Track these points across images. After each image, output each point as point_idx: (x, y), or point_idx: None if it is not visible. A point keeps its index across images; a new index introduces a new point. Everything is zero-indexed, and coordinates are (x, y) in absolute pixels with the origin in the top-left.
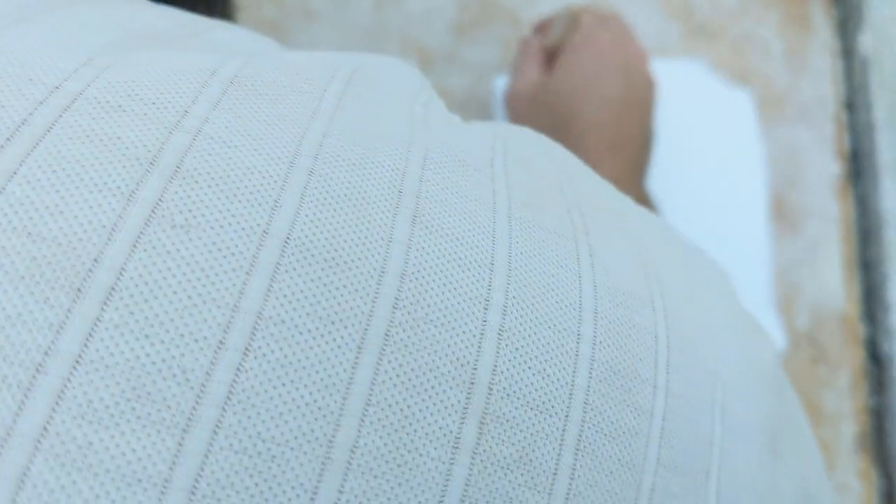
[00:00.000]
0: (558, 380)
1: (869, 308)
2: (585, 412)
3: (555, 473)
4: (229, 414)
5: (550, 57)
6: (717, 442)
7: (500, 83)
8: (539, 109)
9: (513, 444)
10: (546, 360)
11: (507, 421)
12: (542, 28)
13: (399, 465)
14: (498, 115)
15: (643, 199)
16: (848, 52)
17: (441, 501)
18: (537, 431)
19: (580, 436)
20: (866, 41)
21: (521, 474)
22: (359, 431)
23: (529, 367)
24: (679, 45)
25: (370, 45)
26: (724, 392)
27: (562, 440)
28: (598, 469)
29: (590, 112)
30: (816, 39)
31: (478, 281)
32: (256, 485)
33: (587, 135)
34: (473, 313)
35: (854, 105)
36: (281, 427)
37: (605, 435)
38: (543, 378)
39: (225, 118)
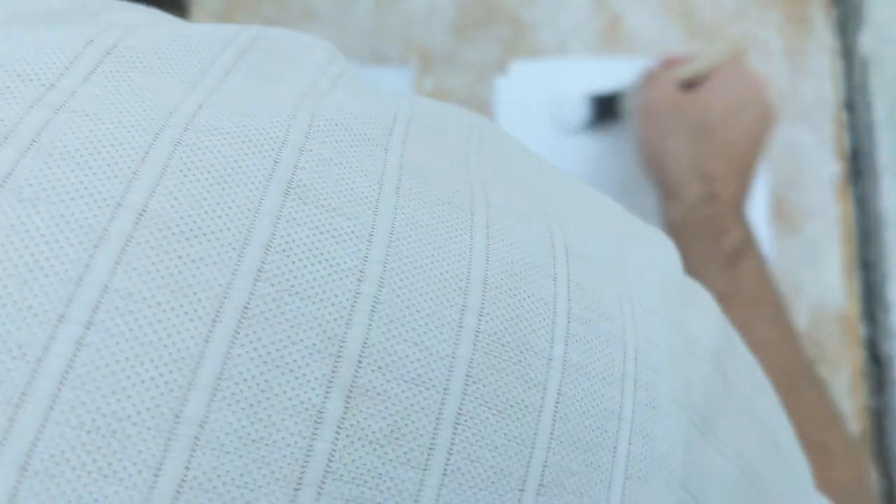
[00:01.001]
0: (437, 352)
1: (869, 308)
2: (467, 385)
3: (431, 448)
4: (66, 389)
5: (682, 87)
6: (626, 416)
7: (500, 83)
8: (680, 111)
9: (384, 418)
10: (425, 332)
11: (379, 394)
12: (672, 62)
13: (254, 441)
14: (498, 115)
15: (749, 228)
16: (848, 52)
17: (301, 477)
18: (412, 405)
19: (460, 409)
20: (866, 41)
21: (393, 449)
22: (209, 406)
23: (405, 340)
24: (679, 45)
25: (370, 45)
26: (639, 364)
27: (440, 414)
28: (481, 444)
29: (737, 127)
30: (816, 39)
31: (353, 252)
32: (94, 460)
33: (728, 145)
34: (345, 285)
35: (854, 105)
36: (123, 402)
37: (490, 408)
38: (421, 350)
39: (94, 91)
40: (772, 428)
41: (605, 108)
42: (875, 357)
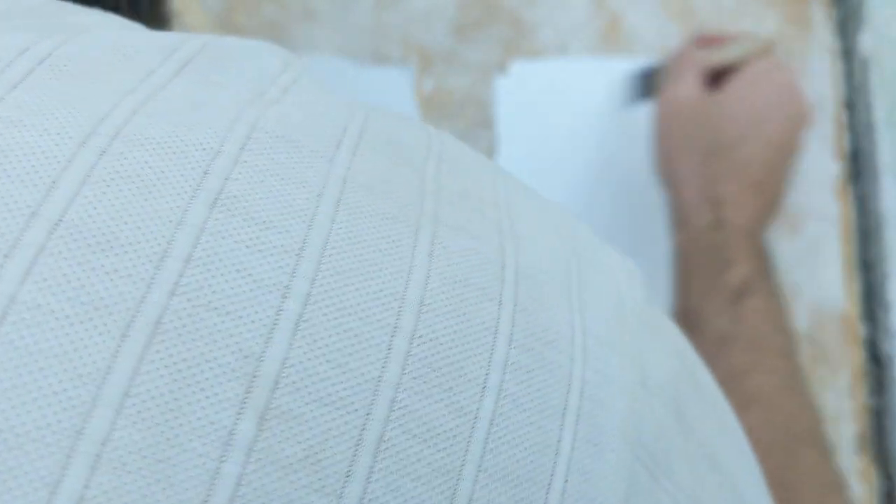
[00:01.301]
0: (362, 374)
1: (869, 308)
2: (392, 410)
3: (348, 475)
4: None
5: (713, 75)
6: (564, 451)
7: (501, 83)
8: (698, 123)
9: (299, 443)
10: (350, 354)
11: (295, 417)
12: (707, 41)
13: (159, 461)
14: (498, 116)
15: (764, 258)
16: (848, 53)
17: (206, 500)
18: (330, 429)
19: (383, 436)
20: (866, 41)
21: (307, 475)
22: (113, 424)
23: (328, 360)
24: (679, 45)
25: (370, 45)
26: (584, 398)
27: (360, 440)
28: (403, 473)
29: (752, 146)
30: (816, 39)
31: (279, 267)
32: None
33: (741, 166)
34: (267, 301)
35: (854, 105)
36: (23, 416)
37: (415, 436)
38: (344, 372)
39: (22, 98)
40: (736, 479)
41: (645, 85)
42: (875, 357)
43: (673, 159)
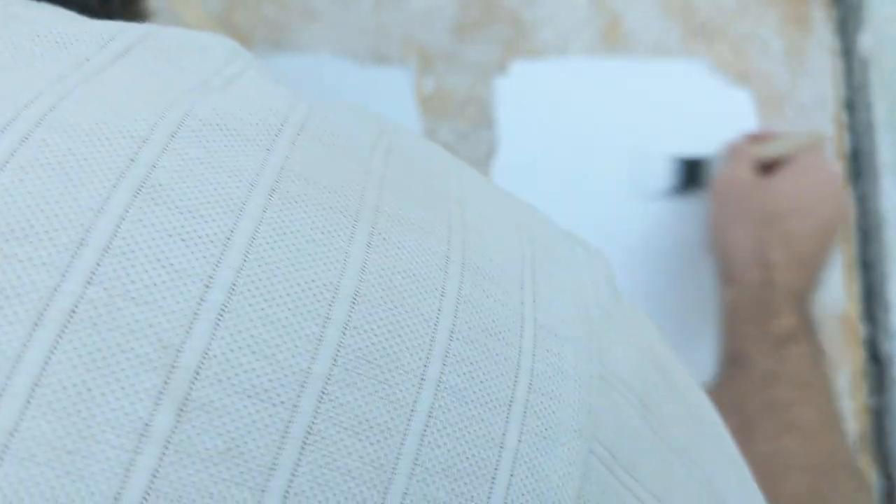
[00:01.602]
0: (289, 366)
1: (869, 308)
2: (321, 402)
3: (272, 469)
4: None
5: (763, 168)
6: (510, 445)
7: (501, 83)
8: (752, 198)
9: (220, 435)
10: (277, 345)
11: (216, 409)
12: (757, 138)
13: (69, 453)
14: (498, 116)
15: (808, 317)
16: (848, 52)
17: (119, 493)
18: (253, 422)
19: (310, 428)
20: (866, 41)
21: (228, 468)
22: (22, 414)
23: (253, 352)
24: (679, 45)
25: (370, 45)
26: (533, 391)
27: (286, 432)
28: (332, 467)
29: (801, 220)
30: (816, 39)
31: (203, 257)
32: None
33: (791, 236)
34: (189, 291)
35: (854, 105)
36: None
37: (346, 429)
38: (270, 364)
39: None
40: (715, 480)
41: (691, 175)
42: (875, 357)
43: (727, 227)
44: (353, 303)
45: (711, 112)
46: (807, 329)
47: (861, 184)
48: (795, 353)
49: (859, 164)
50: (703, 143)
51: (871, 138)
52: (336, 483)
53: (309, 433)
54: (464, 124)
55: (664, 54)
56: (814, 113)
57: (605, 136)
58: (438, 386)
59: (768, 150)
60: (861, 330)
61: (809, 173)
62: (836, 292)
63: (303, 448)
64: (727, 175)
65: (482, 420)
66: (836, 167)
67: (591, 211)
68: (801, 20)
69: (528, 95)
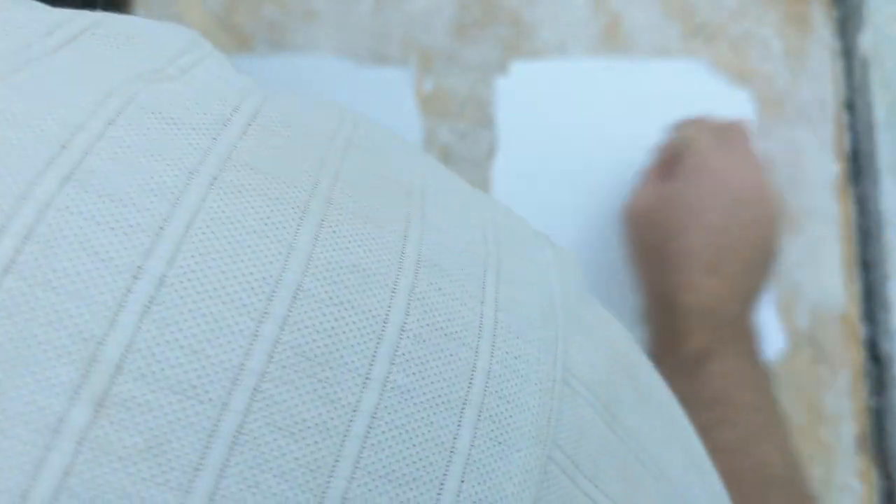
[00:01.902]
0: (220, 362)
1: (869, 308)
2: (253, 400)
3: (197, 468)
4: None
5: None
6: (461, 449)
7: (501, 83)
8: (647, 225)
9: (140, 433)
10: (208, 340)
11: (139, 405)
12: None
13: None
14: (498, 116)
15: (741, 318)
16: (848, 52)
17: (28, 491)
18: (178, 419)
19: (241, 428)
20: (866, 41)
21: (148, 467)
22: None
23: (181, 346)
24: (679, 45)
25: (370, 45)
26: (489, 393)
27: (213, 431)
28: (264, 468)
29: (688, 236)
30: (816, 39)
31: (133, 246)
32: None
33: (682, 257)
34: (114, 283)
35: (854, 105)
36: None
37: (280, 429)
38: (199, 359)
39: None
40: (685, 490)
41: None
42: (875, 357)
43: (635, 267)
44: (295, 297)
45: (711, 112)
46: (726, 341)
47: (861, 184)
48: (710, 373)
49: (859, 165)
50: None
51: (871, 138)
52: (268, 485)
53: (239, 432)
54: (464, 124)
55: (664, 54)
56: (814, 113)
57: (605, 136)
58: (385, 385)
59: (667, 153)
60: (861, 330)
61: (689, 179)
62: (836, 292)
63: (232, 448)
64: (630, 203)
65: (432, 422)
66: (741, 147)
67: (591, 211)
68: (801, 20)
69: (527, 95)
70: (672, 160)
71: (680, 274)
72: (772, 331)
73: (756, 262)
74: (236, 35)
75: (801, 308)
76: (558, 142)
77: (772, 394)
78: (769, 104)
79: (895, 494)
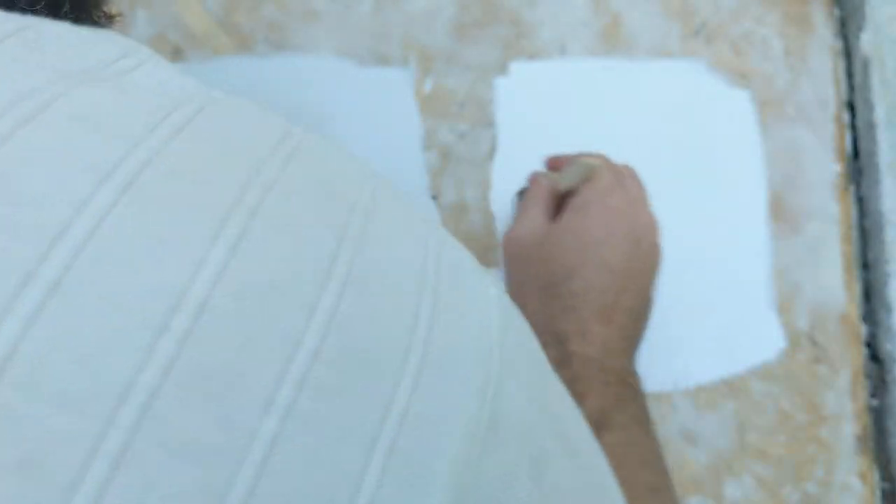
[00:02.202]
0: (109, 375)
1: (869, 308)
2: (143, 418)
3: (73, 486)
4: None
5: (559, 200)
6: (367, 488)
7: (501, 83)
8: (537, 258)
9: (14, 447)
10: (98, 351)
11: (13, 418)
12: (554, 165)
13: None
14: (498, 116)
15: (628, 371)
16: (848, 52)
17: None
18: (56, 433)
19: (127, 446)
20: (867, 41)
21: (20, 483)
22: None
23: (68, 357)
24: (679, 45)
25: (370, 45)
26: (403, 432)
27: (95, 448)
28: (149, 490)
29: (586, 275)
30: (816, 39)
31: (27, 251)
32: None
33: (579, 298)
34: (2, 286)
35: (855, 105)
36: None
37: (170, 450)
38: (86, 372)
39: None
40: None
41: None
42: (875, 357)
43: (518, 300)
44: (200, 313)
45: (711, 112)
46: (622, 405)
47: (861, 184)
48: (609, 445)
49: (860, 164)
50: (703, 143)
51: (871, 138)
52: None
53: (125, 451)
54: (464, 124)
55: (664, 54)
56: (814, 113)
57: (604, 136)
58: (289, 412)
59: (563, 181)
60: (861, 330)
61: (591, 209)
62: (836, 292)
63: (115, 467)
64: (516, 228)
65: (338, 455)
66: (636, 190)
67: None
68: (801, 20)
69: (527, 95)
70: (557, 191)
71: (570, 319)
72: (772, 331)
73: (642, 312)
74: (236, 35)
75: (801, 308)
76: (558, 142)
77: (666, 468)
78: (769, 104)
79: (895, 494)
